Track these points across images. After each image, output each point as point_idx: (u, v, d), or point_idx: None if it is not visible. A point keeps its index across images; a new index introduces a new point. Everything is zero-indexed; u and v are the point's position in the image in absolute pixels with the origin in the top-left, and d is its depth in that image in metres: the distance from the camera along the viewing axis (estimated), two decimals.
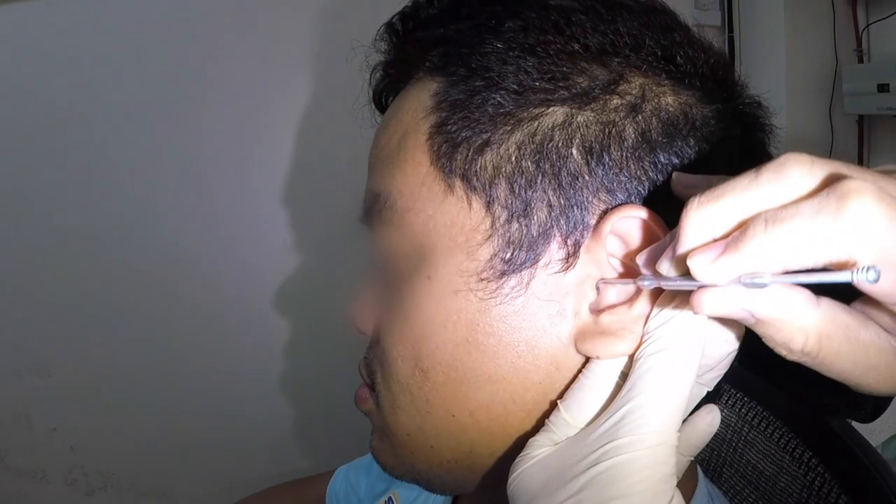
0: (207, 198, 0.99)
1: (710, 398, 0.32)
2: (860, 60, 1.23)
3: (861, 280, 0.19)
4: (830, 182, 0.21)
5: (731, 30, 1.25)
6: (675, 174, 0.30)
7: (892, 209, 0.20)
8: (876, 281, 0.19)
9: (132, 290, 0.99)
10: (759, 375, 0.51)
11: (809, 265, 0.21)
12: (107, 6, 0.90)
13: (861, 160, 1.27)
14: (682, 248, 0.23)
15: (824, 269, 0.21)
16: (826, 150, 1.25)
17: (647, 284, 0.27)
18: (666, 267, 0.24)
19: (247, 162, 1.00)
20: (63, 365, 0.99)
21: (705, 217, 0.22)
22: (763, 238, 0.21)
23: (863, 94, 1.16)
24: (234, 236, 1.02)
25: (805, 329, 0.22)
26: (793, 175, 0.21)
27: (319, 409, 1.05)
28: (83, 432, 1.02)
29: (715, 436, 0.53)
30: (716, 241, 0.22)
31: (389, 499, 0.53)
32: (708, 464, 0.54)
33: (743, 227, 0.22)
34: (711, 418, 0.32)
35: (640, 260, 0.27)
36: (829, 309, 0.22)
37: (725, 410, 0.53)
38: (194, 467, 1.07)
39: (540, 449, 0.29)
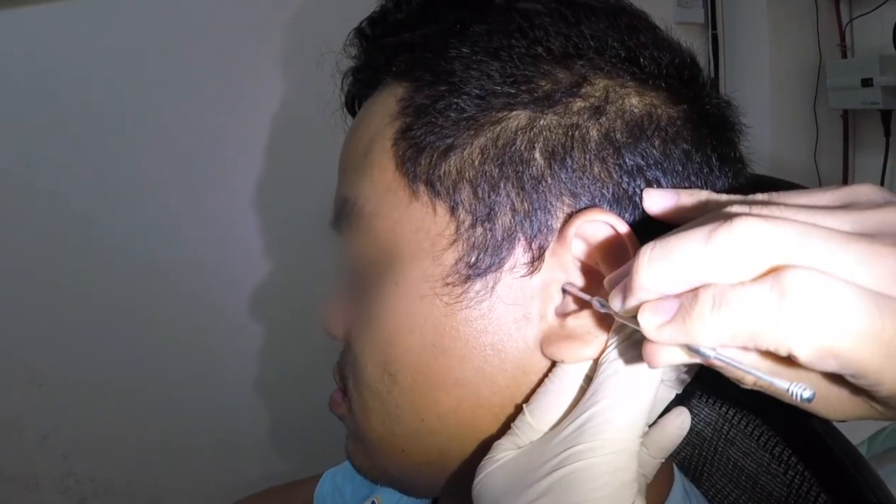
0: (187, 205, 0.99)
1: (680, 400, 0.32)
2: (844, 55, 1.23)
3: (796, 396, 0.20)
4: (777, 269, 0.21)
5: (714, 27, 1.25)
6: (645, 191, 0.30)
7: (838, 299, 0.20)
8: (810, 401, 0.20)
9: (122, 298, 0.99)
10: None
11: (752, 348, 0.21)
12: (77, 16, 0.90)
13: (846, 155, 1.27)
14: (634, 300, 0.23)
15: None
16: (811, 145, 1.25)
17: (602, 309, 0.27)
18: (618, 305, 0.24)
19: (219, 167, 1.00)
20: (54, 373, 0.99)
21: (655, 274, 0.22)
22: (708, 318, 0.21)
23: (847, 88, 1.16)
24: (221, 244, 1.02)
25: (751, 367, 0.22)
26: (742, 247, 0.21)
27: (309, 413, 1.05)
28: (75, 440, 1.02)
29: (697, 434, 0.54)
30: (666, 297, 0.22)
31: (372, 502, 0.53)
32: (690, 462, 0.54)
33: (692, 294, 0.22)
34: (681, 421, 0.32)
35: (606, 284, 0.27)
36: None
37: (706, 409, 0.53)
38: (187, 474, 1.06)
39: (504, 452, 0.29)
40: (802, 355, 0.20)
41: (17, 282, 0.94)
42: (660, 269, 0.22)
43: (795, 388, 0.20)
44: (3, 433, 0.99)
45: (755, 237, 0.21)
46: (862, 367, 0.20)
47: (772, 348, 0.21)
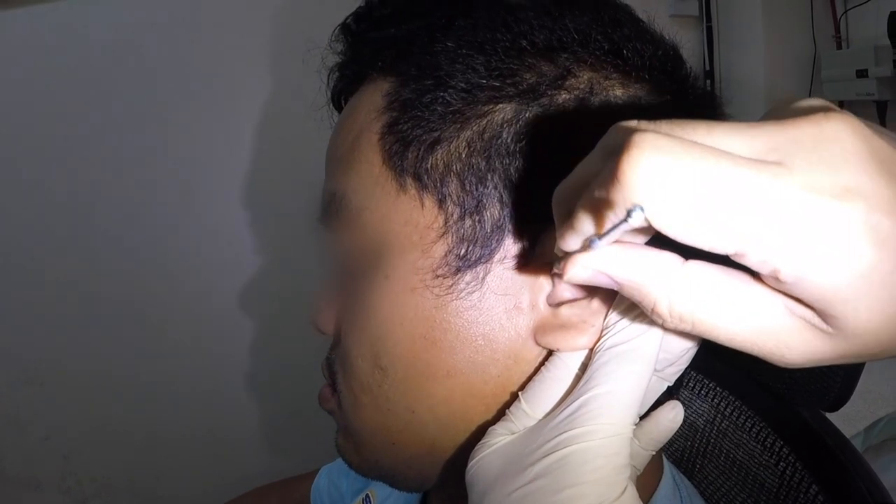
0: (177, 203, 0.99)
1: (670, 392, 0.32)
2: (839, 47, 1.23)
3: (631, 223, 0.19)
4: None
5: (708, 19, 1.25)
6: None
7: (669, 162, 0.18)
8: (644, 223, 0.19)
9: (119, 297, 0.99)
10: (729, 365, 0.52)
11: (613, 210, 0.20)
12: (66, 12, 0.90)
13: None
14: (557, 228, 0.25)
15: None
16: None
17: (557, 270, 0.28)
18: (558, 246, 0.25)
19: (208, 164, 1.01)
20: (54, 373, 0.99)
21: (559, 197, 0.24)
22: (582, 208, 0.21)
23: (842, 80, 1.15)
24: (211, 242, 1.02)
25: (668, 290, 0.21)
26: (606, 143, 0.22)
27: (306, 410, 1.05)
28: (76, 440, 1.02)
29: (689, 426, 0.54)
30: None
31: (367, 496, 0.53)
32: (682, 453, 0.54)
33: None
34: (675, 414, 0.32)
35: None
36: (696, 269, 0.22)
37: (698, 401, 0.54)
38: (186, 473, 1.07)
39: (498, 437, 0.29)
40: (654, 220, 0.19)
41: (15, 282, 0.95)
42: (560, 190, 0.24)
43: (631, 214, 0.19)
44: (3, 434, 0.99)
45: (615, 134, 0.21)
46: (729, 240, 0.19)
47: (622, 208, 0.19)
